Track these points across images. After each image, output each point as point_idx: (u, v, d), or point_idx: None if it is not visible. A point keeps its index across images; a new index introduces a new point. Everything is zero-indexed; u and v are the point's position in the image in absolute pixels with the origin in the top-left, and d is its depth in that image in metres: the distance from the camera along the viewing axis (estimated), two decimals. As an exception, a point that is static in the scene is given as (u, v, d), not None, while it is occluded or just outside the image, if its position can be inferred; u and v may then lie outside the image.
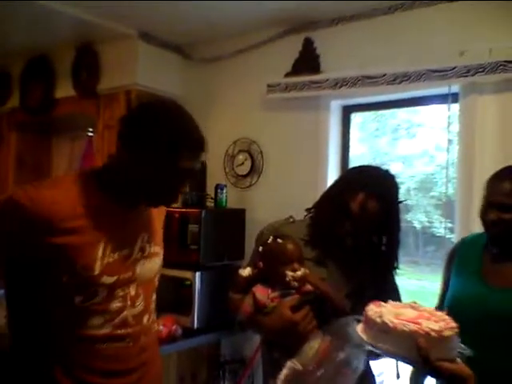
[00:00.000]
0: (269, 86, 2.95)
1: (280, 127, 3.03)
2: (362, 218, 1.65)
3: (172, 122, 1.26)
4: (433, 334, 0.96)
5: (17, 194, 1.15)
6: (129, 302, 1.25)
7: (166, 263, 2.84)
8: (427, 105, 2.71)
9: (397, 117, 3.54)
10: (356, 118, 3.45)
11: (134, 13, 2.93)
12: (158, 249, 1.39)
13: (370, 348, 1.08)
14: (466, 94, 2.34)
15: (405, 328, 0.99)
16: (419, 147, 3.56)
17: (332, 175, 2.82)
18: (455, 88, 2.41)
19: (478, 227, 1.74)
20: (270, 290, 1.49)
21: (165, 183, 1.25)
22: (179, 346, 2.65)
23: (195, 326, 2.72)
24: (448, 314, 1.08)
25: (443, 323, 1.01)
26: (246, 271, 1.58)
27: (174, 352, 2.70)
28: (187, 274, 2.76)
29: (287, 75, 2.93)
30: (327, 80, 2.71)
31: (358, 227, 1.67)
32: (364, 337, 1.09)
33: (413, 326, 0.99)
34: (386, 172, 1.75)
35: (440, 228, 3.16)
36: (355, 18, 2.75)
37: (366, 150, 3.92)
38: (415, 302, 1.15)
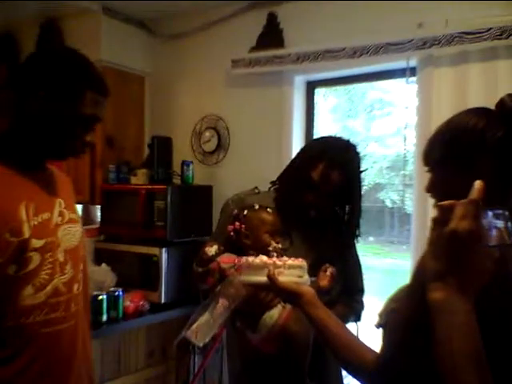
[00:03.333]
0: (233, 61, 2.95)
1: (246, 103, 3.04)
2: (323, 188, 1.68)
3: (72, 64, 1.24)
4: (278, 263, 1.22)
5: None
6: (58, 269, 1.25)
7: (133, 240, 2.92)
8: (388, 79, 2.75)
9: (368, 97, 3.57)
10: (329, 100, 3.48)
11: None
12: (75, 216, 1.38)
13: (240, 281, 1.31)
14: (424, 67, 2.37)
15: (258, 261, 1.25)
16: (391, 127, 3.60)
17: (297, 150, 2.83)
18: (413, 62, 2.43)
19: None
20: (236, 259, 1.48)
21: (66, 130, 1.23)
22: (146, 320, 2.69)
23: (162, 300, 2.75)
24: None
25: (291, 261, 1.25)
26: (212, 250, 1.58)
27: (142, 327, 2.74)
28: (154, 251, 2.79)
29: (251, 50, 2.93)
30: (290, 55, 2.72)
31: (320, 197, 1.70)
32: (240, 278, 1.31)
33: (265, 260, 1.25)
34: (347, 142, 1.77)
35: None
36: (318, -9, 2.76)
37: (339, 131, 3.96)
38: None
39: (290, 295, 1.20)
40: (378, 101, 3.63)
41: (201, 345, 1.38)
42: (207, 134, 3.18)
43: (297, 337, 1.53)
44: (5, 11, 3.23)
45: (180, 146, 3.20)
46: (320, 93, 3.09)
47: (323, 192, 1.69)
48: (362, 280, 1.91)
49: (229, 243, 1.59)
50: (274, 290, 1.26)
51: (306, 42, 2.74)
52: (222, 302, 1.39)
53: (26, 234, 1.18)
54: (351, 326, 1.76)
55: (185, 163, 3.00)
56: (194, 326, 1.38)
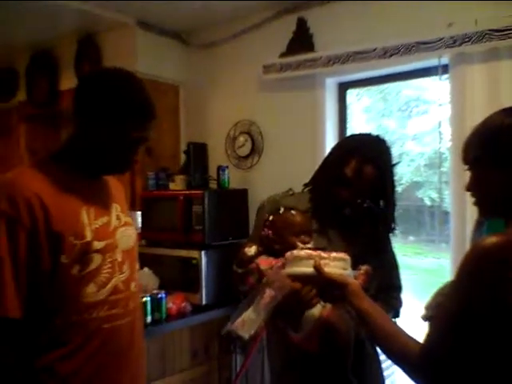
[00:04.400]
0: (264, 67, 3.02)
1: (278, 107, 3.10)
2: (357, 183, 1.69)
3: (119, 90, 1.31)
4: (324, 255, 1.30)
5: None
6: (117, 268, 1.34)
7: (174, 244, 3.01)
8: (420, 77, 2.76)
9: (403, 96, 3.57)
10: (363, 101, 3.49)
11: (131, 2, 3.00)
12: (129, 219, 1.47)
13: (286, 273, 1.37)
14: (456, 64, 2.38)
15: (303, 253, 1.32)
16: (428, 124, 3.58)
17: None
18: (445, 60, 2.45)
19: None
20: (273, 261, 1.53)
21: (116, 152, 1.32)
22: (189, 321, 2.78)
23: (203, 302, 2.84)
24: None
25: (335, 253, 1.32)
26: (252, 250, 1.61)
27: (185, 328, 2.82)
28: (194, 254, 2.87)
29: (282, 55, 3.00)
30: (320, 58, 2.77)
31: (354, 193, 1.72)
32: (286, 270, 1.37)
33: (310, 252, 1.32)
34: (377, 137, 1.79)
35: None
36: (346, -5, 2.80)
37: (374, 131, 3.96)
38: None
39: (336, 285, 1.25)
40: (413, 99, 3.62)
41: (246, 336, 1.44)
42: (241, 138, 3.25)
43: (339, 334, 1.55)
44: (43, 28, 3.39)
45: (215, 152, 3.29)
46: (353, 93, 3.12)
47: (357, 188, 1.71)
48: (399, 277, 1.92)
49: (263, 247, 1.63)
50: (321, 281, 1.29)
51: (337, 44, 2.78)
52: (269, 293, 1.43)
53: (88, 236, 1.28)
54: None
55: (220, 168, 3.08)
56: (240, 319, 1.45)
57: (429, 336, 1.05)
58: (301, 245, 1.53)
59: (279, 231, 1.58)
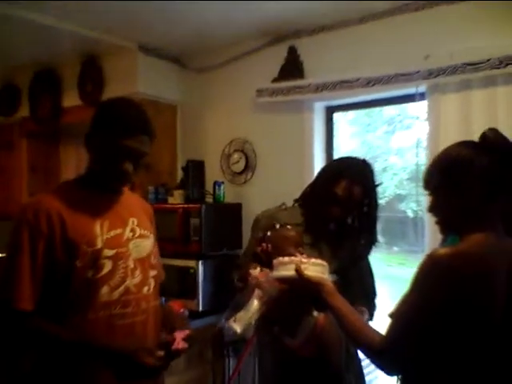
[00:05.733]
0: (258, 91, 3.26)
1: (270, 127, 3.33)
2: (346, 202, 1.92)
3: (115, 109, 1.55)
4: (304, 260, 1.48)
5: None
6: (129, 273, 1.55)
7: (172, 254, 3.21)
8: (400, 103, 3.03)
9: (386, 112, 3.75)
10: (348, 114, 3.69)
11: (133, 28, 3.22)
12: (147, 233, 1.67)
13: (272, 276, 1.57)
14: (432, 93, 2.65)
15: (287, 259, 1.51)
16: (410, 139, 3.80)
17: (318, 169, 3.11)
18: (423, 88, 2.71)
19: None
20: (269, 272, 1.69)
21: (109, 162, 1.51)
22: (187, 326, 2.96)
23: (200, 308, 3.04)
24: None
25: (314, 260, 1.51)
26: (256, 271, 1.79)
27: (182, 333, 3.01)
28: (191, 263, 3.08)
29: (274, 81, 3.24)
30: (309, 85, 3.03)
31: (343, 211, 1.94)
32: (272, 274, 1.57)
33: (292, 258, 1.51)
34: (363, 160, 2.02)
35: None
36: (333, 27, 3.05)
37: (359, 145, 4.17)
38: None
39: (313, 285, 1.42)
40: (396, 114, 3.82)
41: (238, 331, 1.63)
42: (235, 156, 3.48)
43: (333, 340, 1.75)
44: (47, 48, 3.58)
45: (211, 168, 3.51)
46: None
47: (346, 206, 1.93)
48: (374, 284, 2.14)
49: (258, 261, 1.82)
50: (301, 282, 1.45)
51: (324, 72, 3.03)
52: (257, 293, 1.64)
53: (99, 245, 1.49)
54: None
55: (216, 183, 3.31)
56: (236, 316, 1.65)
57: (388, 329, 1.26)
58: (298, 255, 1.68)
59: (278, 245, 1.77)
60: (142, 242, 1.63)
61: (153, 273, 1.66)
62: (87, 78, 3.70)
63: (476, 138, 1.32)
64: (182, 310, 2.94)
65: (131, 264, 1.56)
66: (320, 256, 1.89)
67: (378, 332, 1.30)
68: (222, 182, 3.35)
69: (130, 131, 1.51)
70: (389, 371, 1.30)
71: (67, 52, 3.65)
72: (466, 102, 2.56)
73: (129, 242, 1.58)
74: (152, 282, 1.65)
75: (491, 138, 1.27)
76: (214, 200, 3.31)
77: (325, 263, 1.50)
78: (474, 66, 2.48)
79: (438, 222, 1.35)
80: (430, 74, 2.56)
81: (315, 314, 1.70)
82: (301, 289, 1.52)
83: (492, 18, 2.53)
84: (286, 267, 1.49)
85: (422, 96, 2.72)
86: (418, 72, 2.60)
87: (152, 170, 3.46)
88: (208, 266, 3.11)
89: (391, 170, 4.13)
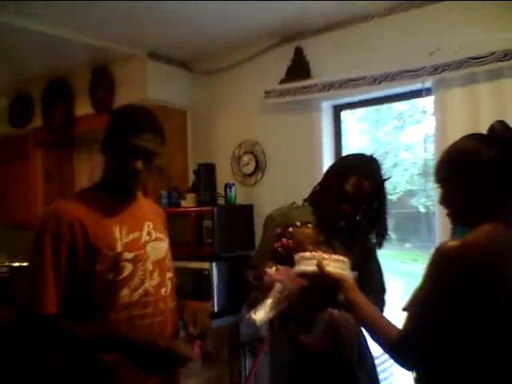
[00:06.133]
0: (266, 92, 3.30)
1: (279, 128, 3.37)
2: (356, 198, 1.91)
3: (126, 112, 1.62)
4: (325, 256, 1.52)
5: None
6: (148, 275, 1.60)
7: (187, 257, 3.26)
8: (406, 100, 3.05)
9: (395, 107, 3.71)
10: (356, 112, 3.70)
11: (141, 35, 3.29)
12: (162, 236, 1.72)
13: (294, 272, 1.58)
14: (438, 88, 2.66)
15: (308, 254, 1.54)
16: (420, 134, 3.80)
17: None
18: (429, 84, 2.73)
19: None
20: (286, 270, 1.70)
21: (121, 163, 1.56)
22: (203, 327, 3.01)
23: (215, 309, 3.08)
24: None
25: (336, 256, 1.54)
26: (272, 270, 1.77)
27: (199, 334, 3.06)
28: (205, 265, 3.13)
29: (282, 82, 3.28)
30: (317, 84, 3.06)
31: (354, 207, 1.94)
32: (294, 269, 1.59)
33: (314, 254, 1.54)
34: (371, 156, 2.01)
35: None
36: (338, 26, 3.08)
37: (368, 142, 4.17)
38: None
39: (335, 281, 1.46)
40: (405, 110, 3.82)
41: (257, 322, 1.61)
42: (245, 158, 3.52)
43: (347, 337, 1.75)
44: (58, 59, 3.66)
45: (222, 170, 3.56)
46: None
47: (356, 202, 1.94)
48: (383, 280, 2.15)
49: (275, 257, 1.81)
50: (322, 277, 1.49)
51: (331, 71, 3.06)
52: (278, 290, 1.64)
53: (119, 248, 1.54)
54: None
55: (227, 185, 3.35)
56: (256, 308, 1.67)
57: (405, 323, 1.29)
58: (320, 252, 1.73)
59: (299, 242, 1.76)
60: (158, 245, 1.68)
61: (169, 275, 1.71)
62: (98, 86, 3.77)
63: (484, 131, 1.33)
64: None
65: (150, 266, 1.61)
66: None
67: (393, 325, 1.32)
68: (233, 184, 3.39)
69: (139, 131, 1.56)
70: (405, 365, 1.32)
71: (78, 61, 3.73)
72: (471, 95, 2.57)
73: (146, 244, 1.63)
74: (169, 284, 1.70)
75: (498, 130, 1.28)
76: (225, 202, 3.35)
77: (346, 259, 1.53)
78: (478, 59, 2.49)
79: (448, 214, 1.38)
80: (436, 70, 2.58)
81: (330, 311, 1.70)
82: (322, 284, 1.55)
83: (495, 12, 2.54)
84: (307, 262, 1.52)
85: (428, 91, 2.73)
86: (423, 68, 2.61)
87: (164, 175, 3.52)
88: (222, 267, 3.15)
89: (401, 166, 4.13)
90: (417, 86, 2.77)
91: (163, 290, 1.66)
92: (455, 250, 1.20)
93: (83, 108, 3.88)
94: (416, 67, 2.64)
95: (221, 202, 3.39)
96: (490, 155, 1.26)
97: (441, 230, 2.66)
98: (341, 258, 1.53)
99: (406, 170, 4.14)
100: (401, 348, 1.26)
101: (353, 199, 1.93)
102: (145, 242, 1.63)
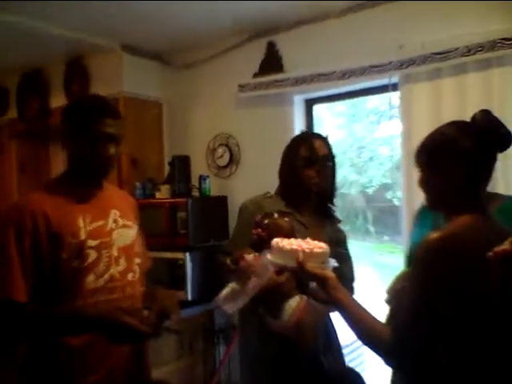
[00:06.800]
0: (240, 86, 3.35)
1: (253, 121, 3.42)
2: (316, 158, 2.03)
3: (87, 103, 1.67)
4: (306, 250, 1.41)
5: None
6: (113, 261, 1.65)
7: (161, 247, 3.30)
8: (375, 94, 3.13)
9: (371, 102, 3.77)
10: (334, 106, 3.75)
11: (116, 28, 3.30)
12: (130, 223, 1.76)
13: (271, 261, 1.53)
14: (404, 83, 2.75)
15: (288, 247, 1.45)
16: (395, 129, 3.88)
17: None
18: (396, 79, 2.81)
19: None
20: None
21: (91, 151, 1.60)
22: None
23: (189, 298, 3.14)
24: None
25: (315, 245, 1.45)
26: (250, 256, 1.81)
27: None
28: (179, 255, 3.18)
29: (255, 76, 3.33)
30: (289, 79, 3.12)
31: (317, 170, 2.03)
32: (269, 257, 1.53)
33: (294, 246, 1.44)
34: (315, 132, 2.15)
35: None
36: (311, 21, 3.14)
37: (345, 136, 4.24)
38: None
39: (316, 279, 1.40)
40: (381, 105, 3.88)
41: (229, 311, 1.71)
42: (220, 150, 3.58)
43: (311, 324, 1.80)
44: (34, 51, 3.65)
45: (196, 162, 3.60)
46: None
47: (315, 163, 2.03)
48: (353, 269, 2.23)
49: (252, 244, 1.88)
50: (303, 274, 1.42)
51: (303, 66, 3.13)
52: (253, 281, 1.66)
53: (83, 236, 1.59)
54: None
55: (202, 177, 3.40)
56: (223, 294, 1.73)
57: (396, 325, 1.24)
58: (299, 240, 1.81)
59: (272, 233, 1.80)
60: (125, 232, 1.72)
61: (137, 260, 1.75)
62: (73, 78, 3.78)
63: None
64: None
65: (115, 253, 1.66)
66: (306, 229, 2.01)
67: (380, 323, 1.29)
68: (208, 176, 3.44)
69: (106, 117, 1.61)
70: (401, 368, 1.31)
71: (53, 53, 3.73)
72: (437, 90, 2.66)
73: (112, 231, 1.67)
74: (137, 269, 1.74)
75: (479, 119, 1.28)
76: (200, 194, 3.41)
77: (325, 247, 1.48)
78: (443, 54, 2.58)
79: (426, 199, 1.40)
80: (402, 65, 2.67)
81: (297, 297, 1.77)
82: (299, 280, 1.55)
83: (460, 8, 2.62)
84: (285, 255, 1.45)
85: (395, 87, 2.82)
86: (390, 63, 2.70)
87: (139, 166, 3.55)
88: (196, 257, 3.20)
89: (377, 160, 4.22)
90: (386, 80, 2.85)
91: (130, 276, 1.70)
92: (437, 242, 1.20)
93: (58, 100, 3.87)
94: (383, 62, 2.72)
95: (195, 193, 3.44)
96: (466, 144, 1.26)
97: (407, 222, 2.75)
98: (321, 249, 1.46)
99: (382, 164, 4.22)
100: (397, 354, 1.23)
101: (312, 161, 2.04)
102: (110, 229, 1.67)
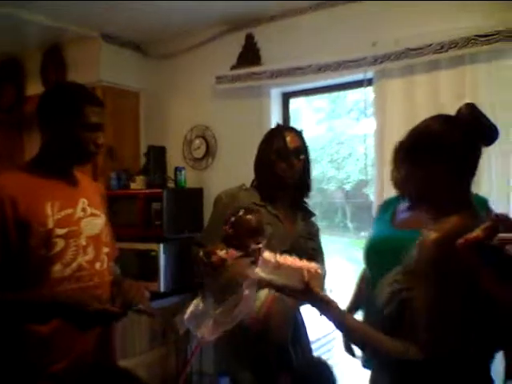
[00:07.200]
0: (217, 77, 3.34)
1: (230, 114, 3.42)
2: (288, 151, 2.06)
3: (69, 91, 1.67)
4: (312, 270, 1.33)
5: None
6: (81, 251, 1.63)
7: (135, 238, 3.29)
8: (350, 89, 3.14)
9: (350, 98, 3.81)
10: (314, 101, 3.77)
11: (95, 17, 3.27)
12: (98, 212, 1.75)
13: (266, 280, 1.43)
14: (378, 79, 2.77)
15: (293, 265, 1.34)
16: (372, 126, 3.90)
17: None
18: (370, 74, 2.83)
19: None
20: (232, 252, 1.83)
21: (74, 138, 1.61)
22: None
23: (162, 289, 3.13)
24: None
25: (315, 265, 1.37)
26: (223, 252, 1.86)
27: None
28: (153, 246, 3.17)
29: (233, 68, 3.33)
30: (266, 71, 3.13)
31: (289, 163, 2.06)
32: (262, 274, 1.40)
33: (299, 263, 1.35)
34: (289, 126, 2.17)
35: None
36: (289, 14, 3.14)
37: (324, 131, 4.26)
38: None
39: (323, 301, 1.33)
40: (360, 101, 3.91)
41: (209, 339, 1.70)
42: (197, 141, 3.57)
43: (279, 319, 1.84)
44: (10, 38, 3.60)
45: (173, 154, 3.59)
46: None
47: (288, 156, 2.06)
48: (324, 264, 2.24)
49: (223, 240, 1.91)
50: (309, 296, 1.34)
51: (280, 59, 3.13)
52: (238, 309, 1.63)
53: (50, 225, 1.57)
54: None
55: (177, 169, 3.39)
56: (188, 314, 1.73)
57: (427, 326, 1.19)
58: (253, 245, 1.83)
59: (238, 231, 1.88)
60: (93, 221, 1.71)
61: (105, 250, 1.74)
62: (50, 66, 3.74)
63: (420, 121, 1.33)
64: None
65: (83, 242, 1.64)
66: (279, 221, 2.05)
67: (393, 340, 1.23)
68: (184, 168, 3.43)
69: (92, 105, 1.62)
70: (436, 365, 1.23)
71: (30, 41, 3.69)
72: (410, 86, 2.69)
73: (80, 220, 1.66)
74: (105, 259, 1.73)
75: (464, 112, 1.25)
76: (175, 185, 3.40)
77: (320, 267, 1.40)
78: (416, 51, 2.60)
79: (407, 195, 1.36)
80: (376, 60, 2.68)
81: (266, 290, 1.79)
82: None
83: (434, 5, 2.64)
84: (284, 273, 1.35)
85: (370, 82, 2.84)
86: (364, 58, 2.71)
87: (115, 156, 3.53)
88: (170, 248, 3.20)
89: (355, 156, 4.25)
90: (360, 75, 2.87)
91: (98, 265, 1.69)
92: (436, 244, 1.18)
93: (34, 88, 3.82)
94: (358, 57, 2.74)
95: (171, 185, 3.43)
96: (454, 138, 1.23)
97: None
98: (318, 266, 1.39)
99: (358, 160, 4.26)
100: (438, 352, 1.19)
101: (284, 154, 2.06)
102: (79, 218, 1.66)
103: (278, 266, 1.35)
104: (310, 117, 4.00)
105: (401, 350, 1.20)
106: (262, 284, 1.58)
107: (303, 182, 2.17)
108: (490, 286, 1.09)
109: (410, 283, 1.23)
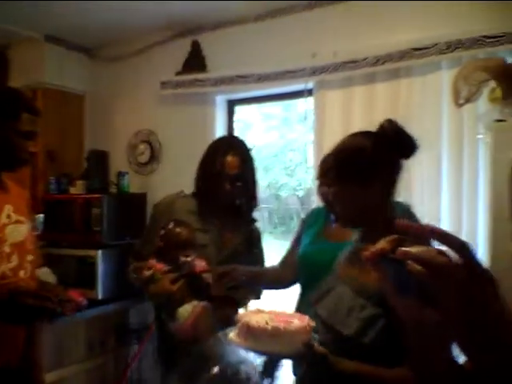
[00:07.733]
0: (162, 83, 3.33)
1: (175, 119, 3.39)
2: (229, 173, 2.06)
3: (8, 94, 1.64)
4: (308, 327, 1.18)
5: None
6: (5, 258, 1.59)
7: (73, 244, 3.21)
8: (292, 99, 3.18)
9: (302, 106, 3.86)
10: (264, 108, 3.78)
11: (39, 18, 3.21)
12: (23, 218, 1.72)
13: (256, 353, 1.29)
14: (318, 89, 2.81)
15: (291, 328, 1.14)
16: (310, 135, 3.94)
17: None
18: (311, 85, 2.86)
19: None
20: (161, 265, 1.89)
21: (7, 144, 1.59)
22: (85, 314, 2.99)
23: (99, 297, 3.07)
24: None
25: (304, 318, 1.22)
26: (148, 273, 1.90)
27: (81, 321, 3.04)
28: (91, 253, 3.10)
29: (178, 74, 3.31)
30: (210, 79, 3.13)
31: (233, 184, 2.07)
32: (252, 345, 1.17)
33: (297, 323, 1.16)
34: (231, 135, 2.17)
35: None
36: (233, 23, 3.16)
37: (276, 138, 4.29)
38: (258, 309, 1.32)
39: (323, 358, 1.18)
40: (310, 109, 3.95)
41: None
42: (141, 146, 3.54)
43: (205, 329, 1.86)
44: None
45: (117, 158, 3.55)
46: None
47: (232, 178, 2.07)
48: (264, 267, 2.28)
49: (156, 252, 1.95)
50: (309, 356, 1.18)
51: (225, 66, 3.14)
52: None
53: None
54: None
55: (120, 173, 3.35)
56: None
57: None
58: (183, 258, 1.87)
59: (168, 244, 1.91)
60: (18, 228, 1.68)
61: (30, 257, 1.71)
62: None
63: (356, 130, 1.34)
64: (80, 299, 2.97)
65: (7, 249, 1.60)
66: (210, 240, 2.07)
67: (394, 369, 1.13)
68: (127, 172, 3.39)
69: (28, 116, 1.60)
70: None
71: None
72: (348, 98, 2.74)
73: (5, 227, 1.62)
74: (29, 267, 1.69)
75: (387, 128, 1.26)
76: (118, 190, 3.35)
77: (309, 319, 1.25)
78: (353, 63, 2.66)
79: (337, 215, 1.34)
80: (315, 72, 2.72)
81: (194, 302, 1.85)
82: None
83: (371, 19, 2.70)
84: (287, 336, 1.14)
85: (310, 92, 2.87)
86: (304, 69, 2.75)
87: (56, 160, 3.45)
88: (109, 254, 3.14)
89: (307, 164, 4.29)
90: (301, 86, 2.90)
91: (22, 273, 1.65)
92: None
93: (-25, 88, 3.73)
94: (297, 68, 2.77)
95: (114, 190, 3.38)
96: (381, 154, 1.23)
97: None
98: (305, 317, 1.25)
99: (309, 168, 4.30)
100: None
101: (224, 177, 2.07)
102: (3, 224, 1.62)
103: (276, 334, 1.14)
104: (261, 124, 4.02)
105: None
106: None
107: (247, 198, 2.19)
108: (392, 300, 1.07)
109: (381, 308, 1.15)
